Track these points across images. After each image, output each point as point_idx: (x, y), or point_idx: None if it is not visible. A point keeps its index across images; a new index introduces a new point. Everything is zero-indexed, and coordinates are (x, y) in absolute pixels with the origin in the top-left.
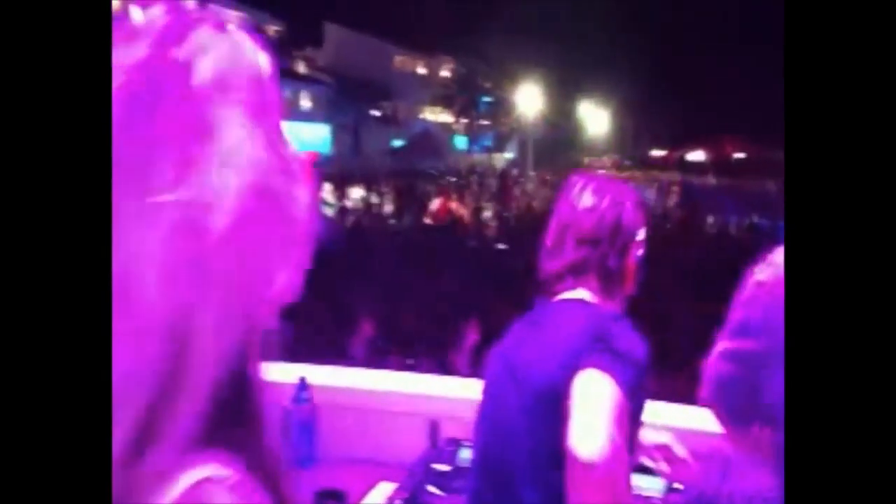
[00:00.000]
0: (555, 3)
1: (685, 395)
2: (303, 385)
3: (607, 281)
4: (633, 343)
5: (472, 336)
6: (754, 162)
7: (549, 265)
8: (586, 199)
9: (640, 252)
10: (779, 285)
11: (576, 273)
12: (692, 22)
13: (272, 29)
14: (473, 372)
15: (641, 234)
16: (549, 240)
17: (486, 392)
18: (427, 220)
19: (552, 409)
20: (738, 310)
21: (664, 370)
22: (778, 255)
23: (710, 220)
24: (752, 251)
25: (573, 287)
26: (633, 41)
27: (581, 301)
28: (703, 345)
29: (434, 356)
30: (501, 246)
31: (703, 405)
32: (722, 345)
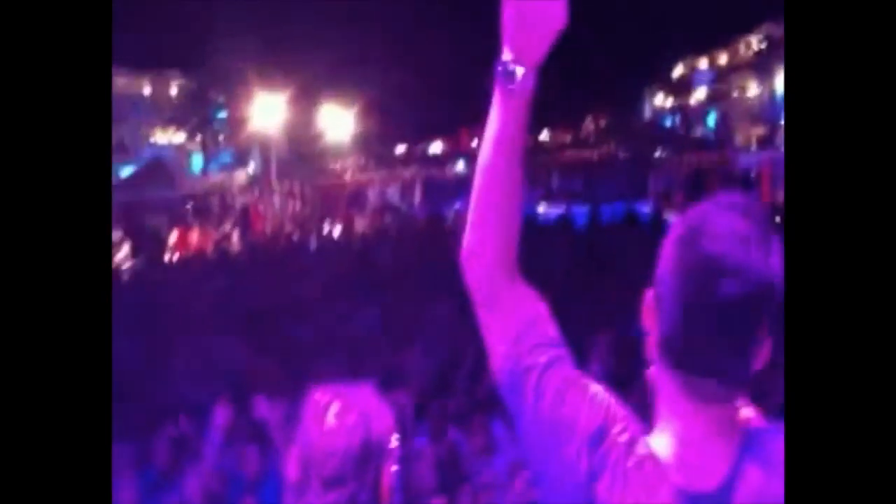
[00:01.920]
0: (284, 5)
1: None
2: None
3: None
4: None
5: (221, 415)
6: None
7: None
8: (328, 426)
9: (395, 467)
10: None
11: None
12: (427, 20)
13: None
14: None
15: (394, 441)
16: (291, 473)
17: None
18: (166, 257)
19: None
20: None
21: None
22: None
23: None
24: None
25: None
26: (369, 42)
27: None
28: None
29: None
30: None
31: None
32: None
